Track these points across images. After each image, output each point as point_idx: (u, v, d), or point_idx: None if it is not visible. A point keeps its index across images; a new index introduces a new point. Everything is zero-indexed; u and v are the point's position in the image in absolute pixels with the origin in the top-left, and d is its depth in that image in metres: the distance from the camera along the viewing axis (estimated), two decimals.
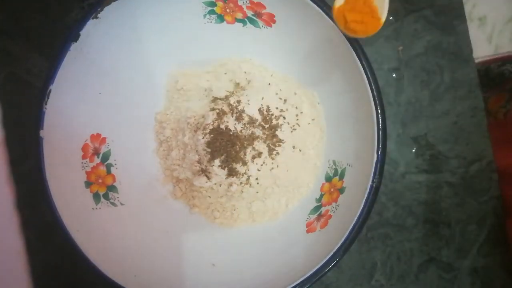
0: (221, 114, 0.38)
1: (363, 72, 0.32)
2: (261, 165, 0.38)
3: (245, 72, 0.40)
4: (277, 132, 0.39)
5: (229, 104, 0.38)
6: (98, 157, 0.36)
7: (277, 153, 0.39)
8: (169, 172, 0.40)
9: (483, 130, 0.43)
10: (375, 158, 0.32)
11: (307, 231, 0.36)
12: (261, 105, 0.39)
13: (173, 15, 0.36)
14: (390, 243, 0.43)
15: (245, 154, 0.38)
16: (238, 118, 0.38)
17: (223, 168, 0.37)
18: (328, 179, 0.38)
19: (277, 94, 0.39)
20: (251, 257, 0.37)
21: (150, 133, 0.41)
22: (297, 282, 0.31)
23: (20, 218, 0.38)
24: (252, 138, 0.38)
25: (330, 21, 0.32)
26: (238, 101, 0.38)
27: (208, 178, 0.38)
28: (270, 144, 0.39)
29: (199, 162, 0.38)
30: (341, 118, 0.37)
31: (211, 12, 0.36)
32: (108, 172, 0.37)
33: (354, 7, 0.32)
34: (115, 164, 0.37)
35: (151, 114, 0.40)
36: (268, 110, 0.39)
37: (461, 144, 0.43)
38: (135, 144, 0.39)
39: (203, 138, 0.37)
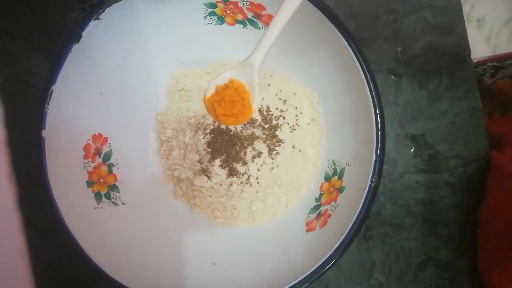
0: None
1: (362, 73, 0.32)
2: (261, 165, 0.39)
3: None
4: (277, 132, 0.39)
5: None
6: (99, 157, 0.36)
7: (277, 153, 0.39)
8: (170, 171, 0.40)
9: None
10: (374, 158, 0.32)
11: (307, 230, 0.37)
12: (261, 105, 0.39)
13: (174, 16, 0.36)
14: (389, 242, 0.43)
15: (245, 154, 0.38)
16: None
17: (224, 168, 0.37)
18: (328, 178, 0.38)
19: (277, 94, 0.40)
20: (251, 256, 0.37)
21: (151, 133, 0.41)
22: (297, 281, 0.31)
23: (21, 218, 0.38)
24: (252, 138, 0.38)
25: (329, 22, 0.32)
26: None
27: (209, 177, 0.38)
28: (270, 144, 0.39)
29: (199, 162, 0.38)
30: (341, 118, 0.37)
31: (212, 13, 0.36)
32: (110, 171, 0.37)
33: (223, 98, 0.32)
34: (117, 164, 0.37)
35: (152, 114, 0.41)
36: (268, 110, 0.39)
37: (459, 144, 0.44)
38: (137, 144, 0.39)
39: (203, 138, 0.38)
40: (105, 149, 0.37)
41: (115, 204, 0.36)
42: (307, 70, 0.38)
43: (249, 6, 0.35)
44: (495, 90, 0.49)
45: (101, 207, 0.35)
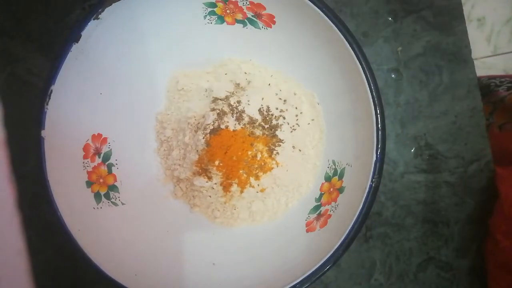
0: (221, 114, 0.38)
1: (362, 72, 0.32)
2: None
3: (245, 73, 0.40)
4: (277, 132, 0.39)
5: (229, 105, 0.39)
6: (99, 157, 0.36)
7: (277, 153, 0.39)
8: (170, 172, 0.40)
9: (481, 130, 0.44)
10: (374, 158, 0.32)
11: (307, 231, 0.37)
12: (261, 105, 0.39)
13: (174, 16, 0.36)
14: (389, 243, 0.43)
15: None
16: (238, 119, 0.38)
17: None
18: (328, 178, 0.38)
19: (277, 94, 0.40)
20: (251, 256, 0.37)
21: (151, 133, 0.41)
22: (297, 281, 0.31)
23: (21, 218, 0.38)
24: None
25: (330, 22, 0.32)
26: (238, 102, 0.39)
27: (209, 177, 0.38)
28: (270, 144, 0.39)
29: (199, 162, 0.38)
30: (341, 118, 0.37)
31: (212, 13, 0.36)
32: (109, 172, 0.37)
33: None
34: (116, 164, 0.37)
35: (152, 114, 0.41)
36: (268, 110, 0.39)
37: (459, 144, 0.44)
38: (136, 144, 0.39)
39: (203, 138, 0.37)
40: (104, 149, 0.37)
41: (115, 204, 0.36)
42: (307, 70, 0.38)
43: (249, 6, 0.35)
44: (508, 103, 0.48)
45: (101, 207, 0.35)
